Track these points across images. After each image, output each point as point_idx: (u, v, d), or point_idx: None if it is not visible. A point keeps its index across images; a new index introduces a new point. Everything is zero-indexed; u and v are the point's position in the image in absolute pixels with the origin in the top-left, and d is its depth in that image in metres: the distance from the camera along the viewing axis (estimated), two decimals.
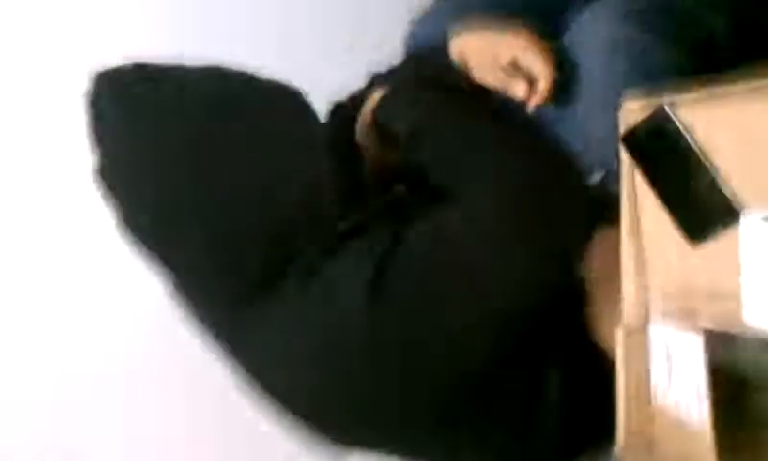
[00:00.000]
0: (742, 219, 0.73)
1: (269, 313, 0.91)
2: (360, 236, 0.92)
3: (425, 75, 1.04)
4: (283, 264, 0.90)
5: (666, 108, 0.77)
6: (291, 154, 0.93)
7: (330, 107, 1.10)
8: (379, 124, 1.01)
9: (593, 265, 0.92)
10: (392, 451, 1.00)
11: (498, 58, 0.96)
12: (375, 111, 1.02)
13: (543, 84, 0.94)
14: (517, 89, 0.95)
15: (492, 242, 0.88)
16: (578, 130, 0.96)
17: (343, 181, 0.98)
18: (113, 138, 0.91)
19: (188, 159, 0.88)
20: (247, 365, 0.96)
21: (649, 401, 0.79)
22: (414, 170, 0.98)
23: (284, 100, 0.96)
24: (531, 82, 0.94)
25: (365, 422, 0.93)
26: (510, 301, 0.89)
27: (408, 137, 0.96)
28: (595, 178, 0.94)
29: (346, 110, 1.07)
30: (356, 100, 1.07)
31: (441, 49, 1.02)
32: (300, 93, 0.96)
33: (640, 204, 0.81)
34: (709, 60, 0.89)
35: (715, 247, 0.75)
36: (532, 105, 0.95)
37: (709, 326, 0.75)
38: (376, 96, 1.02)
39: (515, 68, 0.95)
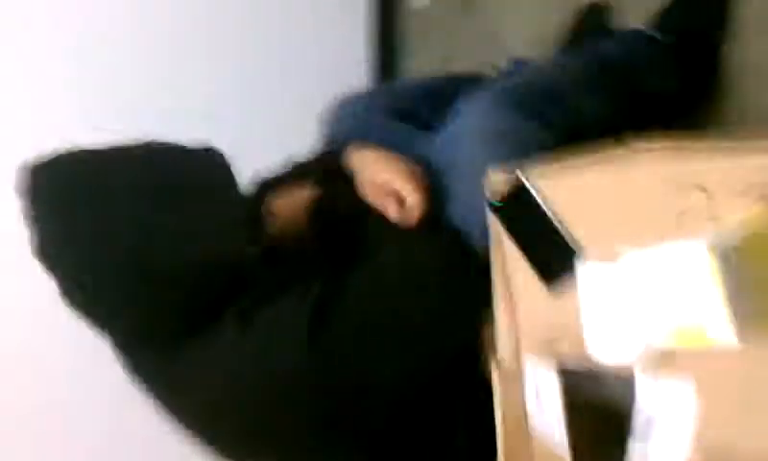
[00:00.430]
0: (582, 265, 0.86)
1: (203, 355, 1.00)
2: (286, 290, 1.01)
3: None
4: (216, 310, 1.00)
5: (524, 178, 0.91)
6: (212, 217, 1.02)
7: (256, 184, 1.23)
8: (316, 209, 1.15)
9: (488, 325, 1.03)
10: None
11: (375, 177, 1.12)
12: (316, 201, 1.16)
13: (413, 210, 1.08)
14: (389, 209, 1.09)
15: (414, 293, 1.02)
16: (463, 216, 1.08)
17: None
18: (50, 221, 0.99)
19: (119, 231, 0.98)
20: (177, 406, 1.05)
21: (528, 435, 0.90)
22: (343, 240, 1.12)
23: (208, 172, 1.05)
24: (402, 202, 1.09)
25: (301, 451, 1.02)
26: (428, 343, 1.01)
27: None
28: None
29: (263, 188, 1.20)
30: (273, 180, 1.22)
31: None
32: (223, 158, 1.05)
33: (509, 259, 0.94)
34: (578, 136, 1.01)
35: (568, 294, 0.87)
36: (404, 223, 1.08)
37: (570, 364, 0.86)
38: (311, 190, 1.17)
39: (389, 189, 1.10)
